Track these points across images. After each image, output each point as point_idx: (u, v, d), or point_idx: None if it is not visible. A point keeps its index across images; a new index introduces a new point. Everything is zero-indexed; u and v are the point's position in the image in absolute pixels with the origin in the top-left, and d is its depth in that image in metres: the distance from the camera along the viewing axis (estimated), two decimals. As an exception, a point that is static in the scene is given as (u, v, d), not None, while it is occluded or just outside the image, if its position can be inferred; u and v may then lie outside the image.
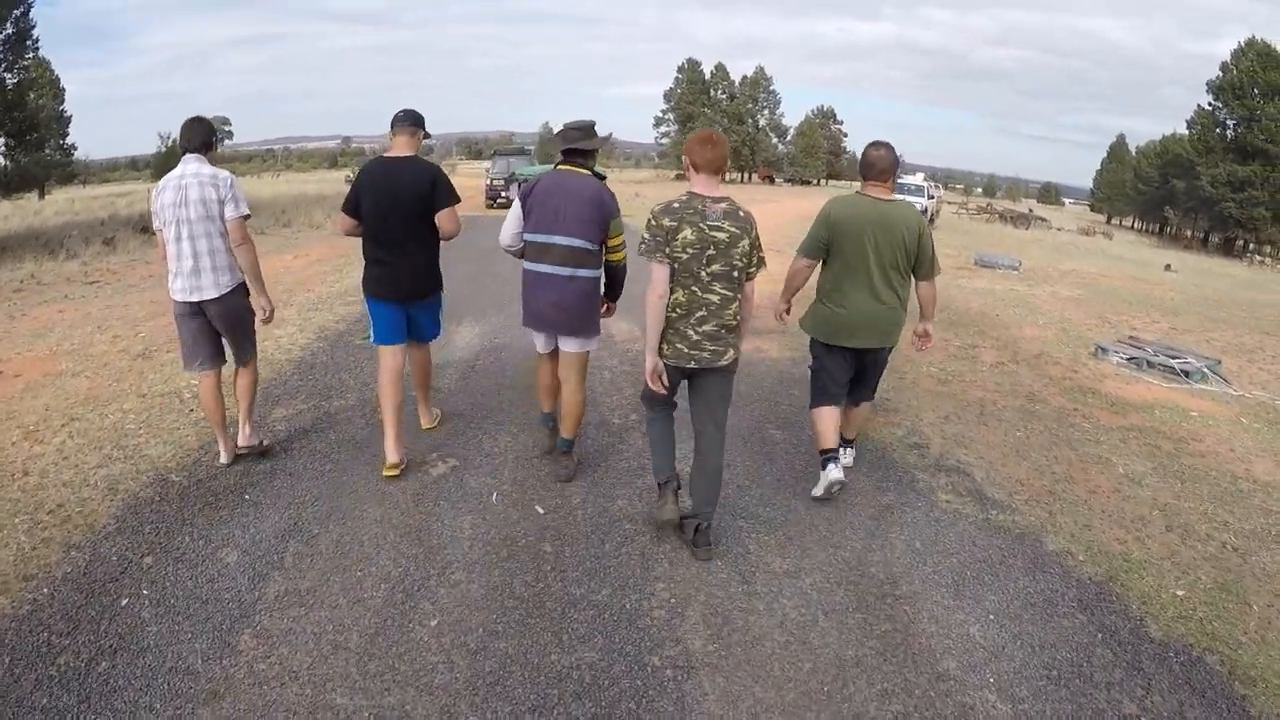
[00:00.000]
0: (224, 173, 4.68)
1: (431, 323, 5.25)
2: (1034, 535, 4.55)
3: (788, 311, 5.11)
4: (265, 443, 5.24)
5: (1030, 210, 60.05)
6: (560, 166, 4.67)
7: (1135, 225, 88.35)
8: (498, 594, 3.75)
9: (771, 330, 8.98)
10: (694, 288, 3.79)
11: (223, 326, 4.83)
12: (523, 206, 4.60)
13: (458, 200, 4.79)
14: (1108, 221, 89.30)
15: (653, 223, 3.78)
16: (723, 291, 3.81)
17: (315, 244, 16.65)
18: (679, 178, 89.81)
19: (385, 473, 4.86)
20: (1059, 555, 4.33)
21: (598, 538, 4.30)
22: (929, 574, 4.08)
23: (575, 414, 4.93)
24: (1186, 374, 8.20)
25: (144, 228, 20.03)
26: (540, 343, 4.92)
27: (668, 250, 3.75)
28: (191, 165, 4.60)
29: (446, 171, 5.23)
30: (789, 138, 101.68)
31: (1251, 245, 54.62)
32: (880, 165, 4.59)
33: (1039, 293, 14.34)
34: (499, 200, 28.27)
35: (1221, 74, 57.45)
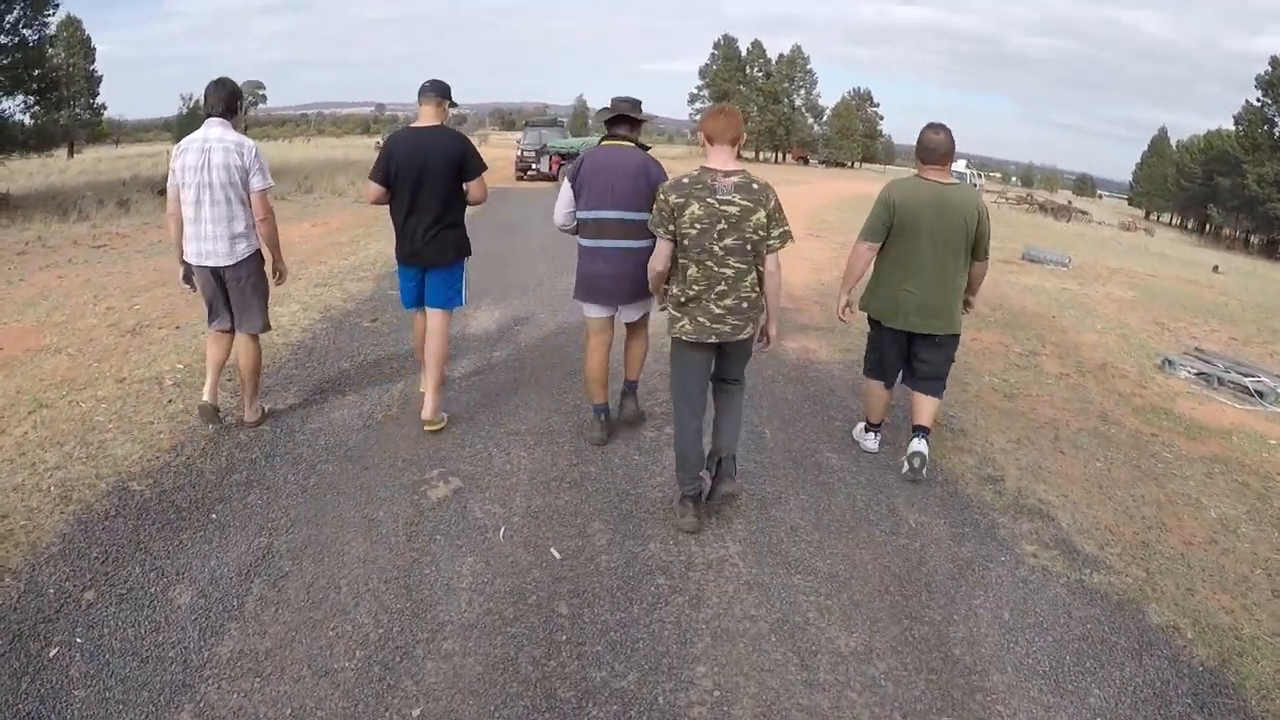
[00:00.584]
0: (249, 141, 4.60)
1: (452, 287, 5.13)
2: (1134, 603, 3.79)
3: (850, 309, 5.09)
4: (268, 409, 5.21)
5: (1069, 202, 58.38)
6: (605, 141, 4.70)
7: (1175, 221, 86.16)
8: (499, 673, 3.04)
9: (819, 326, 8.29)
10: (708, 262, 3.78)
11: (234, 293, 4.76)
12: (572, 185, 4.67)
13: (485, 168, 4.98)
14: (1146, 216, 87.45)
15: (660, 198, 3.82)
16: (737, 265, 3.78)
17: (337, 212, 16.05)
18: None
19: (425, 425, 5.08)
20: (1165, 631, 3.59)
21: (625, 596, 3.56)
22: (1022, 658, 3.34)
23: (640, 358, 5.20)
24: (1260, 394, 7.48)
25: (161, 190, 19.47)
26: (596, 312, 4.90)
27: (671, 226, 3.77)
28: (215, 129, 4.52)
29: (475, 142, 5.28)
30: (824, 119, 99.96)
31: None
32: (940, 149, 4.58)
33: (1092, 293, 13.52)
34: (530, 172, 27.42)
35: (1271, 69, 55.51)
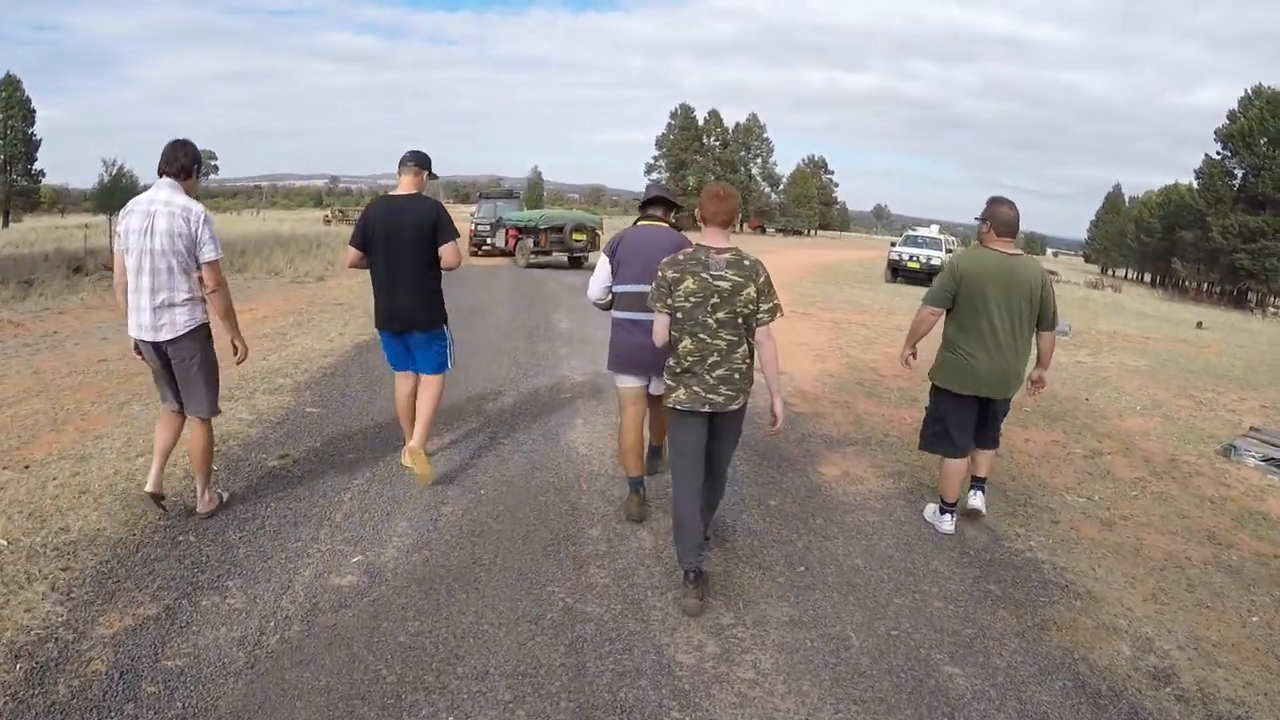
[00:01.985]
0: (197, 206, 4.32)
1: (432, 355, 5.28)
2: None
3: (914, 356, 5.23)
4: (225, 497, 4.80)
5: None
6: (641, 222, 5.06)
7: (1135, 276, 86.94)
8: None
9: (851, 439, 6.77)
10: (702, 335, 3.91)
11: (179, 371, 4.44)
12: (610, 261, 4.94)
13: (458, 235, 5.17)
14: (1103, 272, 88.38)
15: (659, 275, 3.98)
16: (729, 337, 3.92)
17: (268, 295, 14.24)
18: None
19: (410, 470, 5.18)
20: None
21: None
22: None
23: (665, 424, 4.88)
24: (1342, 478, 6.83)
25: (77, 267, 17.72)
26: (631, 382, 5.03)
27: (669, 300, 3.92)
28: (164, 192, 4.28)
29: None
30: (780, 187, 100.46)
31: (1269, 298, 53.21)
32: (1014, 222, 4.79)
33: (1106, 364, 12.61)
34: (485, 247, 25.89)
35: (1229, 122, 56.57)
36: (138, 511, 4.54)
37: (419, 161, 5.15)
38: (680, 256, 3.97)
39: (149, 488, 4.50)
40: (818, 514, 5.17)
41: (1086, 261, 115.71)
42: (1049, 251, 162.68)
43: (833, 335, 12.82)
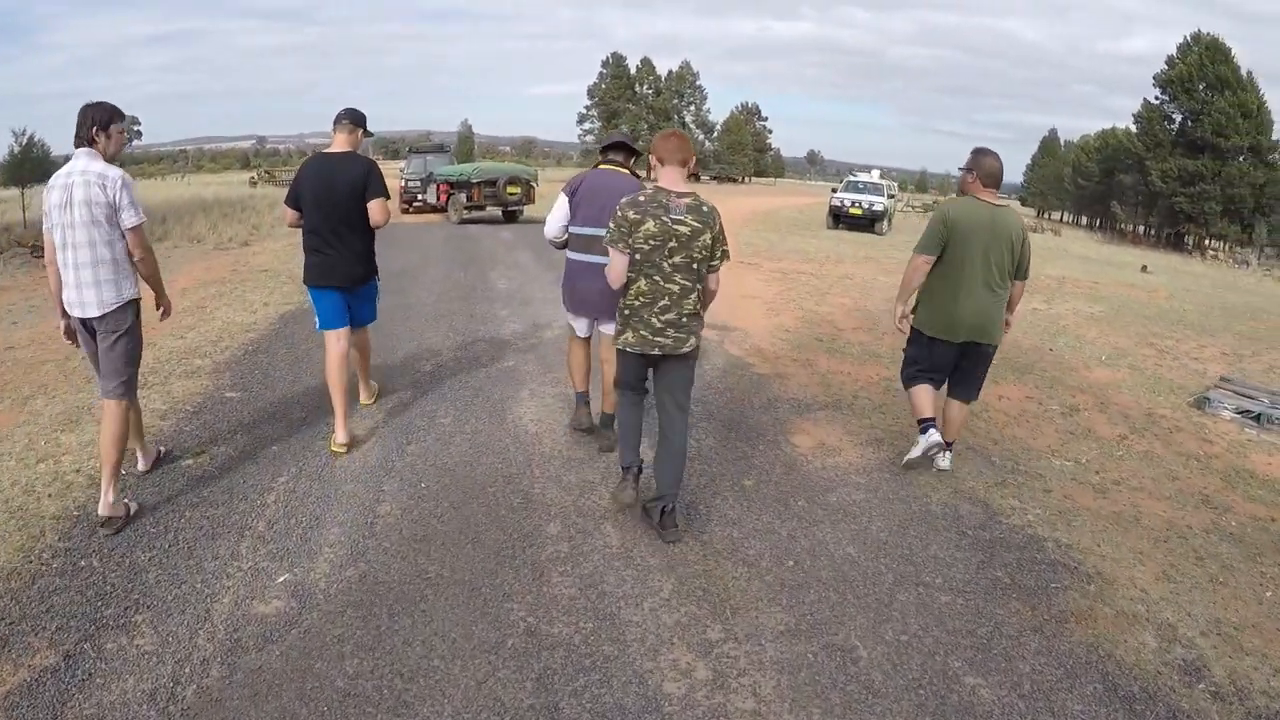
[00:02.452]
0: (115, 171, 4.06)
1: (369, 308, 5.53)
2: None
3: (905, 316, 5.17)
4: (134, 508, 4.22)
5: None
6: (603, 165, 5.18)
7: (1071, 220, 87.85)
8: None
9: (821, 402, 6.36)
10: (656, 277, 3.90)
11: (102, 348, 4.17)
12: (569, 202, 5.04)
13: (388, 195, 5.14)
14: (1039, 215, 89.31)
15: (618, 214, 3.91)
16: (683, 282, 3.92)
17: (189, 264, 13.15)
18: (631, 174, 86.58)
19: (332, 449, 5.05)
20: None
21: None
22: None
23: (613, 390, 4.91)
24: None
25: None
26: (581, 327, 5.26)
27: (629, 241, 3.87)
28: (81, 161, 4.03)
29: None
30: (715, 134, 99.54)
31: (1205, 240, 54.17)
32: (999, 173, 4.88)
33: (1061, 312, 12.56)
34: (416, 203, 24.68)
35: (1168, 67, 56.73)
36: (35, 532, 3.88)
37: (353, 119, 5.15)
38: (641, 198, 3.94)
39: (142, 467, 4.60)
40: (798, 494, 4.72)
41: (1023, 205, 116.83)
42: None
43: (782, 287, 12.42)
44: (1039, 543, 4.31)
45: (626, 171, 5.13)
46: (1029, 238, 4.96)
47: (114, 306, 4.09)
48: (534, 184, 22.66)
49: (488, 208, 21.76)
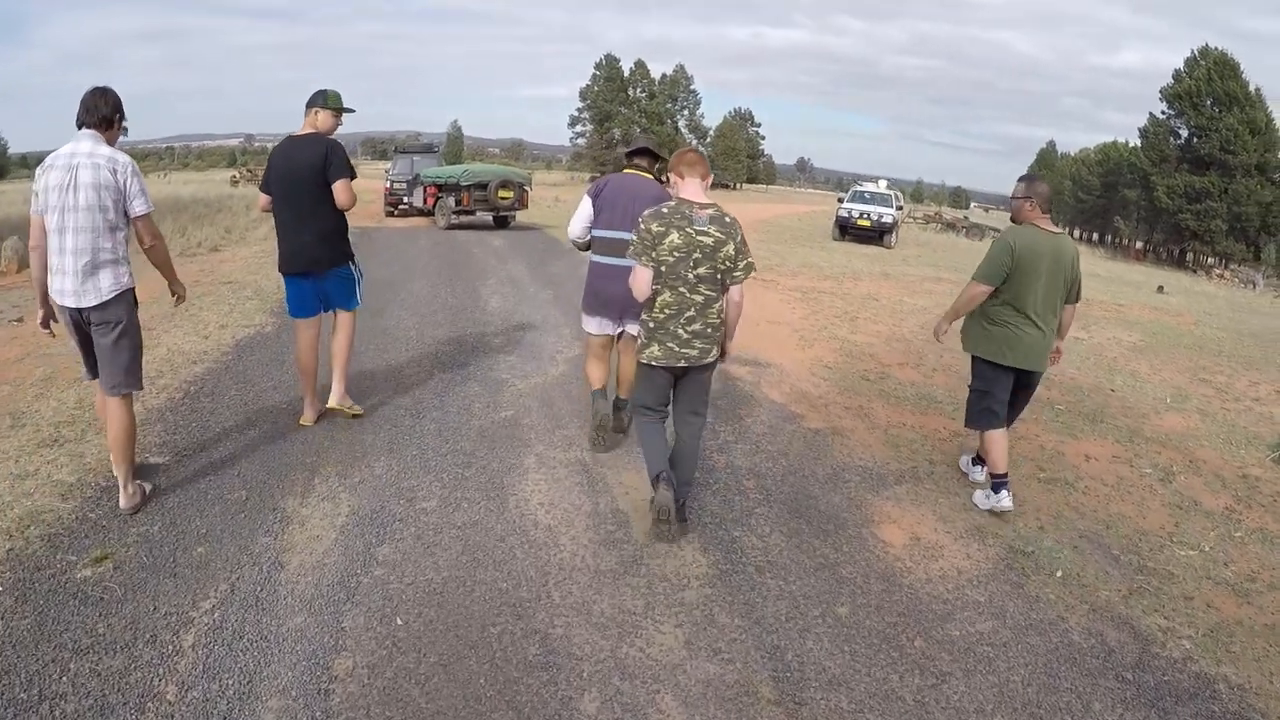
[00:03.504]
0: (124, 157, 3.95)
1: (345, 293, 5.35)
2: None
3: (946, 331, 5.13)
4: (149, 489, 4.25)
5: (965, 218, 56.94)
6: (626, 170, 5.18)
7: (1073, 234, 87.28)
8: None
9: (892, 470, 5.21)
10: (681, 289, 3.90)
11: (99, 339, 4.01)
12: (593, 205, 5.04)
13: (352, 175, 5.10)
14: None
15: (641, 227, 3.89)
16: (707, 293, 3.93)
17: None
18: (594, 179, 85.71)
19: (301, 421, 5.29)
20: None
21: None
22: None
23: (633, 375, 4.78)
24: None
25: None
26: (595, 326, 5.23)
27: (654, 254, 3.86)
28: (86, 143, 3.90)
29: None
30: (708, 139, 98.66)
31: (1209, 259, 53.35)
32: (1050, 199, 4.95)
33: (1101, 341, 11.50)
34: (401, 206, 23.23)
35: (1175, 82, 55.78)
36: None
37: (310, 101, 5.14)
38: (664, 210, 3.93)
39: (124, 505, 4.12)
40: (910, 626, 3.52)
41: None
42: (971, 205, 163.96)
43: (807, 309, 11.22)
44: (1209, 686, 3.29)
45: (650, 176, 5.15)
46: (1080, 263, 4.97)
47: (112, 295, 3.95)
48: (527, 188, 21.29)
49: (478, 213, 20.40)
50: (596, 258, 5.06)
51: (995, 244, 4.87)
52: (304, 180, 4.96)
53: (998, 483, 4.77)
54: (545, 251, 16.27)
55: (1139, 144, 61.06)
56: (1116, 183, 64.73)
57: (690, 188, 3.97)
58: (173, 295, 4.69)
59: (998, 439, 4.80)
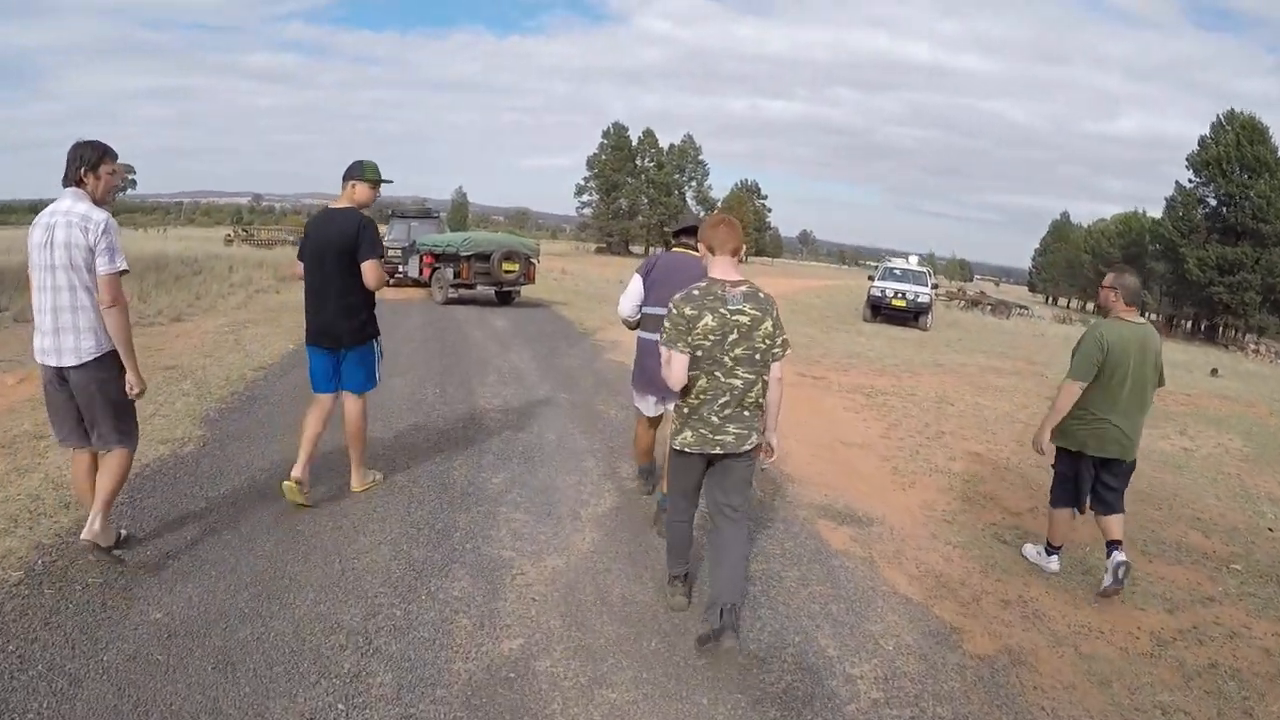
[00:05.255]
0: (100, 214, 3.90)
1: (362, 374, 5.22)
2: None
3: (1050, 443, 5.01)
4: (124, 533, 4.26)
5: (982, 293, 54.92)
6: (675, 248, 5.24)
7: (1089, 308, 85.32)
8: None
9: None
10: (717, 373, 3.73)
11: (82, 402, 3.97)
12: (643, 282, 5.08)
13: (381, 254, 5.02)
14: (1048, 302, 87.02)
15: (674, 311, 3.75)
16: (745, 375, 3.75)
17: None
18: (600, 251, 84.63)
19: (285, 483, 4.91)
20: None
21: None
22: None
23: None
24: None
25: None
26: (649, 406, 5.24)
27: (689, 339, 3.70)
28: (65, 202, 3.90)
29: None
30: (715, 211, 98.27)
31: (1245, 334, 51.56)
32: (1138, 292, 4.95)
33: (1208, 450, 9.65)
34: (395, 277, 20.61)
35: (1201, 149, 54.03)
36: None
37: (346, 173, 5.09)
38: (695, 292, 3.77)
39: (85, 535, 3.91)
40: None
41: (1031, 291, 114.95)
42: (974, 277, 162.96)
43: (881, 423, 9.18)
44: None
45: (698, 255, 4.69)
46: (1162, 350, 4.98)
47: (92, 357, 3.88)
48: (535, 260, 19.40)
49: (478, 287, 18.45)
50: (644, 334, 5.11)
51: (1086, 339, 4.86)
52: (334, 254, 4.90)
53: (1053, 549, 5.14)
54: (555, 336, 14.25)
55: (1160, 214, 59.42)
56: (1139, 254, 62.84)
57: (721, 265, 3.81)
58: (130, 388, 4.08)
59: (1063, 517, 5.05)
